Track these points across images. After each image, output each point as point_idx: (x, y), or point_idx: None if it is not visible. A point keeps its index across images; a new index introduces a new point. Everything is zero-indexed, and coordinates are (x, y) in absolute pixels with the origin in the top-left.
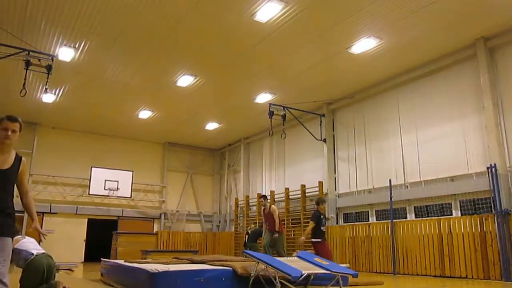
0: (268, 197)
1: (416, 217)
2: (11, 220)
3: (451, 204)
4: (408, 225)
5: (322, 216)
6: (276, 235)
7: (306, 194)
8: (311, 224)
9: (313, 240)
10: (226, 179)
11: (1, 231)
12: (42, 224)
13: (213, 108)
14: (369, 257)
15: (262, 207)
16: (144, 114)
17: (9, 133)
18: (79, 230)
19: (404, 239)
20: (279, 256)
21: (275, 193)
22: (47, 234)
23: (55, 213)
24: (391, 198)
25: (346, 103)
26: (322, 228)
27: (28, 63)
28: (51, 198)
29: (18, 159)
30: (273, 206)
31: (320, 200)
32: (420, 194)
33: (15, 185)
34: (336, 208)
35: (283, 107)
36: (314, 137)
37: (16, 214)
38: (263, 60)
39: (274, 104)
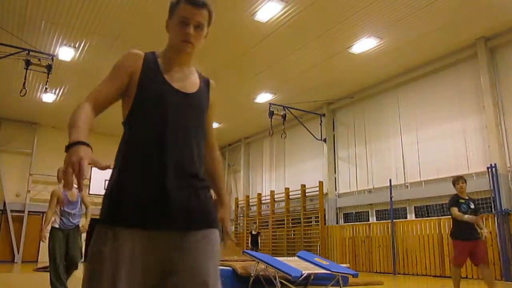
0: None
1: (416, 217)
2: (211, 197)
3: None
4: (408, 225)
5: (461, 201)
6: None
7: (306, 194)
8: (454, 210)
9: (452, 237)
10: (226, 179)
11: (204, 218)
12: (42, 224)
13: None
14: (369, 257)
15: None
16: None
17: (190, 30)
18: None
19: (404, 239)
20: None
21: (275, 193)
22: None
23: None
24: (391, 198)
25: (346, 103)
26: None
27: (28, 63)
28: None
29: (204, 82)
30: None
31: (455, 179)
32: (420, 194)
33: (205, 127)
34: (336, 208)
35: (283, 107)
36: (314, 137)
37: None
38: (263, 60)
39: (274, 104)
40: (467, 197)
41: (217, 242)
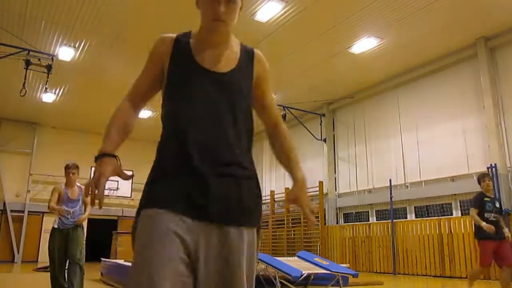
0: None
1: (416, 217)
2: (257, 188)
3: (451, 204)
4: (408, 225)
5: (486, 199)
6: None
7: None
8: (474, 211)
9: (476, 237)
10: None
11: (242, 214)
12: (42, 224)
13: None
14: (369, 257)
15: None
16: (144, 113)
17: (221, 7)
18: None
19: (404, 239)
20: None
21: (275, 193)
22: None
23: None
24: (391, 198)
25: (346, 103)
26: (487, 216)
27: (28, 63)
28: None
29: (247, 55)
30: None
31: (481, 176)
32: (420, 194)
33: (250, 107)
34: (336, 208)
35: (283, 106)
36: (314, 137)
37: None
38: None
39: None
40: (493, 196)
41: (254, 243)
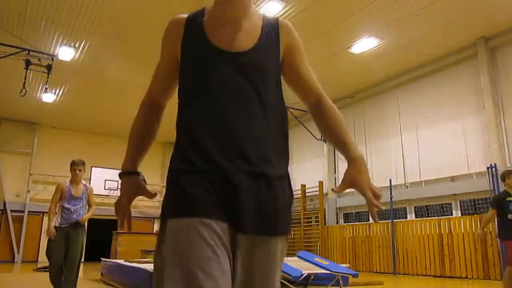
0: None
1: (416, 217)
2: (289, 188)
3: (451, 204)
4: (408, 225)
5: (510, 198)
6: None
7: (306, 194)
8: (490, 212)
9: (499, 238)
10: None
11: (271, 223)
12: (42, 224)
13: None
14: (369, 257)
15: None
16: None
17: None
18: None
19: (404, 239)
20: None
21: None
22: None
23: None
24: (391, 198)
25: (346, 103)
26: (510, 217)
27: (28, 63)
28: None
29: (270, 26)
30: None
31: (506, 172)
32: (420, 194)
33: (280, 90)
34: (336, 208)
35: None
36: (315, 137)
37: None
38: None
39: None
40: None
41: (284, 250)
